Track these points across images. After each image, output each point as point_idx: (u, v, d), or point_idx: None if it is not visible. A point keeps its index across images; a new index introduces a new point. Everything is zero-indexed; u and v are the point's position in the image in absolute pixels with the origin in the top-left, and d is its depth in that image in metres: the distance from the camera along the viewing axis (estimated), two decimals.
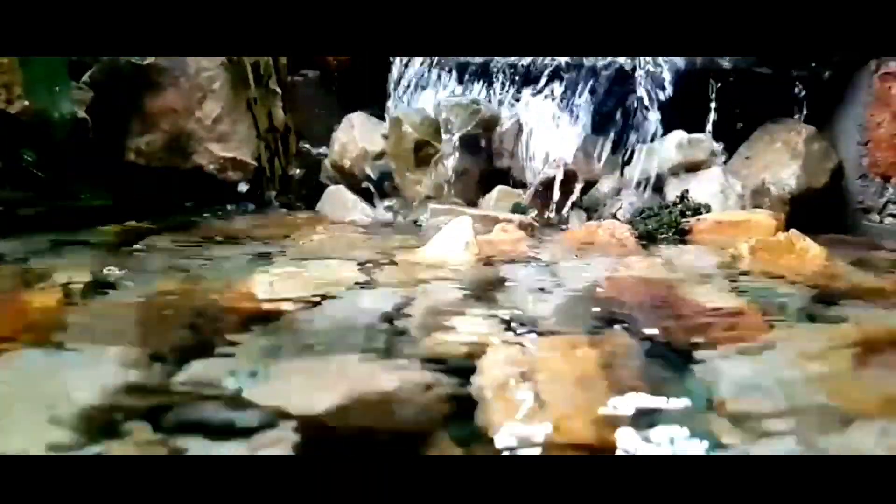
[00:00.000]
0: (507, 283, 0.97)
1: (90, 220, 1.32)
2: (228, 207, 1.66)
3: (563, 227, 1.48)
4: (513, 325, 0.77)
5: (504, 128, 1.63)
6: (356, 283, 0.95)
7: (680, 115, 1.53)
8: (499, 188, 1.57)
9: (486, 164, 1.65)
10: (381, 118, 1.73)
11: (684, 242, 1.30)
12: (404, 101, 1.70)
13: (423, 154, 1.60)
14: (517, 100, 1.64)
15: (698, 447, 0.52)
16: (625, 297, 0.91)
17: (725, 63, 1.52)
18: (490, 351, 0.68)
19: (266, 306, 0.83)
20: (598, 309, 0.86)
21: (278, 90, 1.69)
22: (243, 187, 1.66)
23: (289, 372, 0.64)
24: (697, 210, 1.39)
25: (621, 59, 1.55)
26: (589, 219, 1.49)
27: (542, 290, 0.94)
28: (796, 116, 1.56)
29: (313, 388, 0.60)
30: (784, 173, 1.48)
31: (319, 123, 1.77)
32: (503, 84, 1.64)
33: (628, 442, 0.52)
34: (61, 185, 1.39)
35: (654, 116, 1.54)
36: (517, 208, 1.50)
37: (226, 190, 1.67)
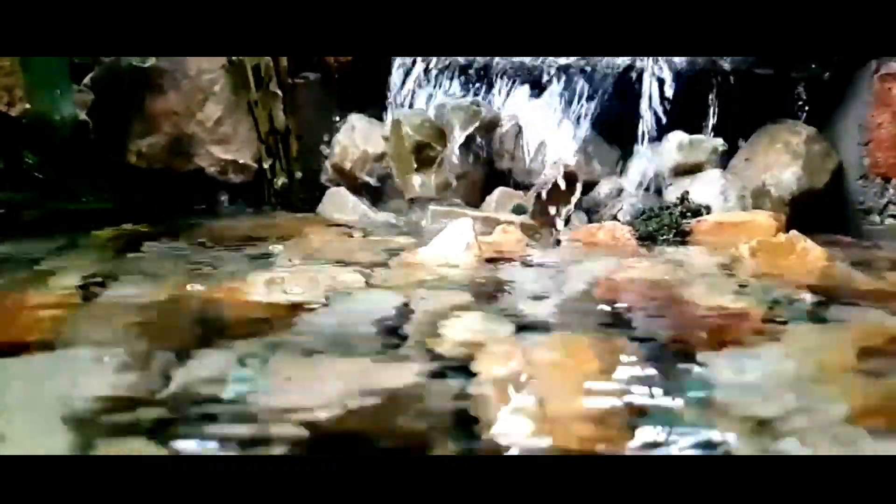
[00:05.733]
0: (507, 285, 0.97)
1: (91, 222, 1.32)
2: (229, 209, 1.66)
3: (564, 228, 1.48)
4: (513, 325, 0.77)
5: (504, 129, 1.63)
6: (357, 285, 0.95)
7: (680, 116, 1.52)
8: (499, 189, 1.57)
9: (487, 165, 1.65)
10: (382, 120, 1.73)
11: (685, 244, 1.30)
12: (404, 102, 1.70)
13: (424, 156, 1.60)
14: (518, 101, 1.64)
15: (698, 447, 0.52)
16: (625, 299, 0.91)
17: (726, 64, 1.52)
18: (490, 352, 0.69)
19: (267, 308, 0.83)
20: (598, 310, 0.86)
21: (279, 92, 1.69)
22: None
23: (289, 373, 0.64)
24: (698, 211, 1.39)
25: (622, 60, 1.55)
26: (590, 220, 1.49)
27: (542, 291, 0.94)
28: (797, 117, 1.56)
29: (314, 389, 0.61)
30: (784, 174, 1.48)
31: (320, 125, 1.77)
32: (504, 85, 1.64)
33: (629, 442, 0.52)
34: (62, 187, 1.39)
35: (654, 117, 1.54)
36: (518, 210, 1.50)
37: (227, 192, 1.67)
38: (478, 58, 1.64)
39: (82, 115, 1.44)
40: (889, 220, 1.43)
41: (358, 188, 1.67)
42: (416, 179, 1.61)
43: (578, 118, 1.57)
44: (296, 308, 0.83)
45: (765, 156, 1.53)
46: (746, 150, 1.57)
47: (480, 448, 0.51)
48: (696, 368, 0.66)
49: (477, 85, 1.66)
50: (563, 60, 1.58)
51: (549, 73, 1.59)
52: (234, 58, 1.63)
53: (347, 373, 0.64)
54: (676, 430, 0.54)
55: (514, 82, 1.63)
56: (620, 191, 1.56)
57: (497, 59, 1.63)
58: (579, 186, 1.49)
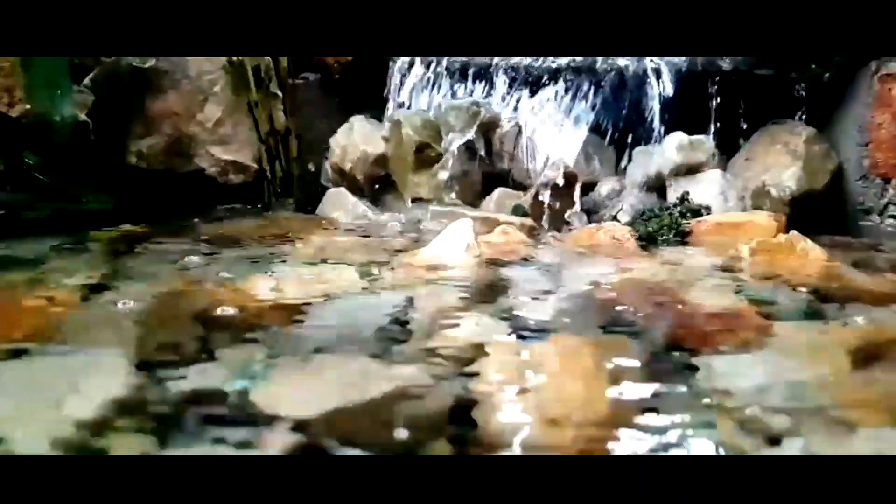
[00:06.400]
0: (507, 285, 0.97)
1: (91, 223, 1.32)
2: (229, 210, 1.66)
3: (564, 228, 1.48)
4: (513, 326, 0.77)
5: (504, 129, 1.63)
6: (357, 286, 0.95)
7: (680, 116, 1.53)
8: (499, 190, 1.57)
9: (487, 166, 1.65)
10: (382, 120, 1.73)
11: (685, 244, 1.30)
12: (404, 103, 1.70)
13: (424, 156, 1.60)
14: (517, 101, 1.64)
15: (698, 448, 0.52)
16: (625, 299, 0.91)
17: (726, 65, 1.52)
18: (490, 353, 0.69)
19: (267, 309, 0.83)
20: (598, 311, 0.86)
21: (279, 93, 1.69)
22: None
23: (290, 374, 0.64)
24: (698, 212, 1.39)
25: (622, 60, 1.55)
26: (590, 221, 1.49)
27: (542, 291, 0.94)
28: (796, 118, 1.56)
29: (314, 389, 0.61)
30: (784, 175, 1.48)
31: (320, 126, 1.77)
32: (504, 85, 1.64)
33: (628, 442, 0.52)
34: (62, 188, 1.39)
35: (654, 118, 1.54)
36: (518, 210, 1.50)
37: (227, 192, 1.67)
38: (478, 58, 1.65)
39: (82, 116, 1.43)
40: (889, 221, 1.43)
41: (357, 189, 1.67)
42: (416, 180, 1.61)
43: (578, 118, 1.56)
44: (295, 309, 0.83)
45: (765, 156, 1.53)
46: (746, 150, 1.57)
47: (480, 448, 0.51)
48: (696, 369, 0.66)
49: (477, 85, 1.66)
50: (563, 60, 1.58)
51: (549, 74, 1.59)
52: (234, 58, 1.63)
53: (347, 373, 0.64)
54: (676, 430, 0.54)
55: (514, 82, 1.63)
56: (620, 191, 1.56)
57: (497, 59, 1.63)
58: (579, 187, 1.49)
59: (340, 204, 1.62)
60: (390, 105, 1.72)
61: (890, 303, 0.89)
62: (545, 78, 1.60)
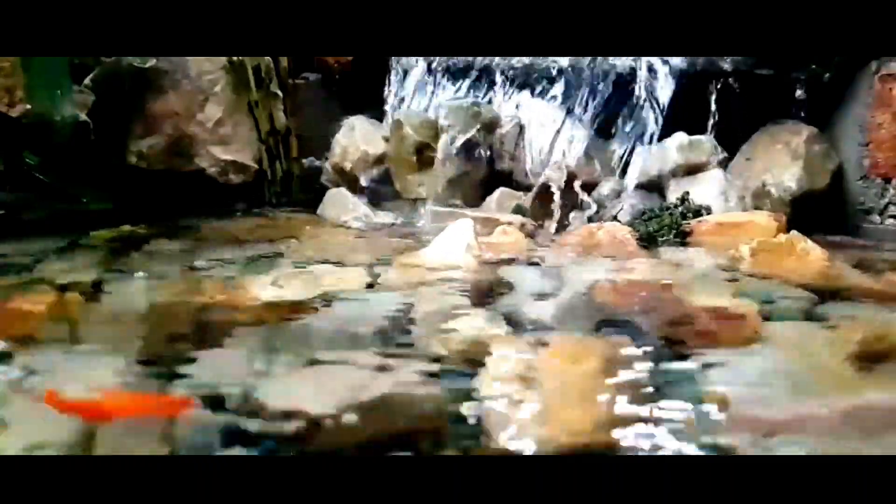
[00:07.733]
0: (507, 286, 0.97)
1: (91, 223, 1.32)
2: (230, 210, 1.66)
3: (565, 229, 1.48)
4: (514, 327, 0.77)
5: (505, 130, 1.63)
6: (357, 286, 0.95)
7: (680, 116, 1.52)
8: (500, 190, 1.57)
9: (487, 166, 1.65)
10: (382, 121, 1.73)
11: (685, 244, 1.30)
12: (405, 103, 1.70)
13: (425, 156, 1.60)
14: (518, 101, 1.63)
15: (697, 448, 0.52)
16: (626, 299, 0.91)
17: (726, 65, 1.52)
18: (490, 352, 0.69)
19: (268, 309, 0.83)
20: (598, 311, 0.86)
21: (279, 93, 1.69)
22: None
23: (291, 374, 0.64)
24: (698, 212, 1.39)
25: (622, 60, 1.55)
26: (590, 221, 1.49)
27: (542, 292, 0.94)
28: (797, 118, 1.56)
29: (315, 390, 0.61)
30: (785, 175, 1.48)
31: (320, 126, 1.77)
32: (504, 85, 1.64)
33: (628, 442, 0.52)
34: (62, 188, 1.39)
35: (654, 118, 1.53)
36: (518, 210, 1.50)
37: (227, 192, 1.67)
38: (478, 58, 1.65)
39: (83, 116, 1.43)
40: (889, 221, 1.43)
41: (358, 189, 1.67)
42: (417, 180, 1.61)
43: (579, 119, 1.56)
44: (296, 309, 0.83)
45: (765, 156, 1.52)
46: (746, 150, 1.57)
47: (481, 448, 0.51)
48: (695, 369, 0.66)
49: (477, 85, 1.66)
50: (563, 61, 1.58)
51: (549, 74, 1.59)
52: (234, 58, 1.63)
53: (348, 374, 0.64)
54: (676, 430, 0.54)
55: (514, 82, 1.63)
56: (621, 191, 1.56)
57: (497, 59, 1.63)
58: (579, 187, 1.49)
59: (341, 204, 1.62)
60: (390, 105, 1.72)
61: (890, 303, 0.89)
62: (546, 77, 1.60)
